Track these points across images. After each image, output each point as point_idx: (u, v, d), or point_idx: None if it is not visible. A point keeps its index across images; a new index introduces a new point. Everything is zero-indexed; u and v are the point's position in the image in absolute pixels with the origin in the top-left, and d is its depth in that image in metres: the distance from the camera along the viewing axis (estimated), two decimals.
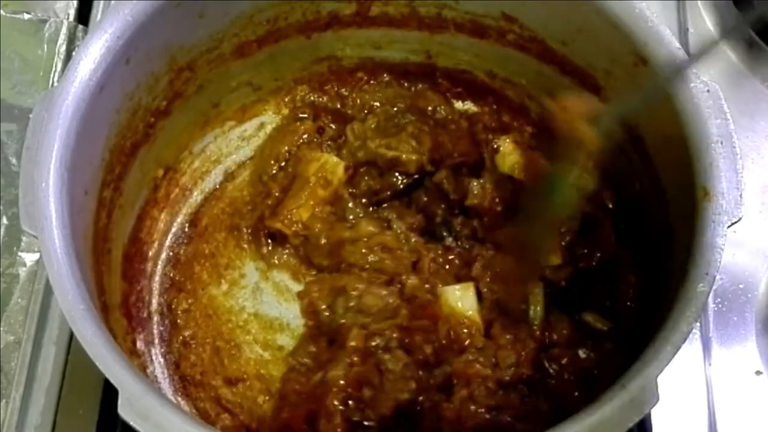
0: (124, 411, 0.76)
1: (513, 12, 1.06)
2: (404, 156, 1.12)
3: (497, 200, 1.08)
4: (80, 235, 0.90)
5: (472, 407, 0.94)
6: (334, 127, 1.20)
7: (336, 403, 0.95)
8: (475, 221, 1.10)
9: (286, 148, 1.18)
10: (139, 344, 1.06)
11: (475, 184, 1.08)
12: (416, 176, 1.14)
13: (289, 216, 1.11)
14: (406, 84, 1.22)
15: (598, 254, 1.06)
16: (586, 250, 1.06)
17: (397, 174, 1.14)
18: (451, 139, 1.14)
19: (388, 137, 1.13)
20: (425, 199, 1.13)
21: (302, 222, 1.11)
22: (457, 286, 1.04)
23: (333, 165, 1.15)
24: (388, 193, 1.14)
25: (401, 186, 1.14)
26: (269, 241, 1.13)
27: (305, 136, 1.18)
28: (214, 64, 1.11)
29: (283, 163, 1.18)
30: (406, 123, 1.16)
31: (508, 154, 1.09)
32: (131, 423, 0.76)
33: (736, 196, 0.86)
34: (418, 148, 1.12)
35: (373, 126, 1.16)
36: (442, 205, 1.13)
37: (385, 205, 1.14)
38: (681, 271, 0.84)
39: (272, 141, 1.20)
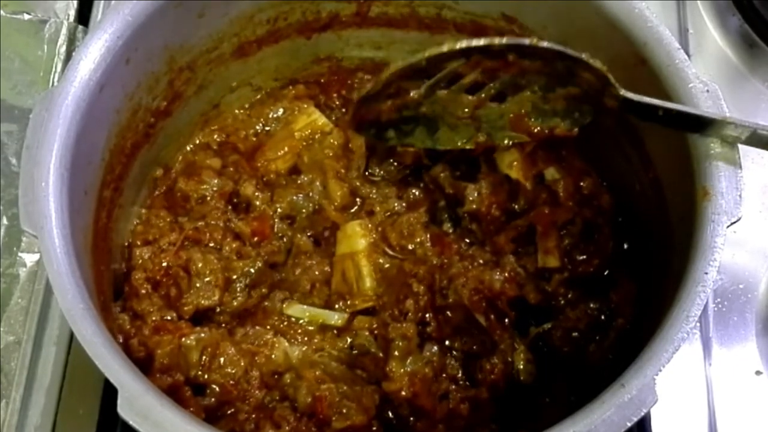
0: (123, 411, 0.76)
1: (513, 12, 1.06)
2: (401, 146, 1.12)
3: (495, 206, 1.08)
4: (80, 235, 0.90)
5: None
6: (343, 109, 1.21)
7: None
8: (473, 225, 1.10)
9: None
10: None
11: (472, 189, 1.08)
12: (413, 167, 1.15)
13: (265, 164, 1.14)
14: None
15: (596, 261, 1.06)
16: (585, 256, 1.06)
17: (394, 162, 1.14)
18: None
19: None
20: (422, 194, 1.15)
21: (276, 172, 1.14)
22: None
23: (322, 125, 1.16)
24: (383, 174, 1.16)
25: (398, 175, 1.15)
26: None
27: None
28: (214, 64, 1.11)
29: (280, 111, 1.19)
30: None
31: (507, 151, 1.08)
32: (131, 422, 0.76)
33: (735, 195, 0.86)
34: None
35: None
36: (441, 202, 1.14)
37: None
38: (680, 271, 0.84)
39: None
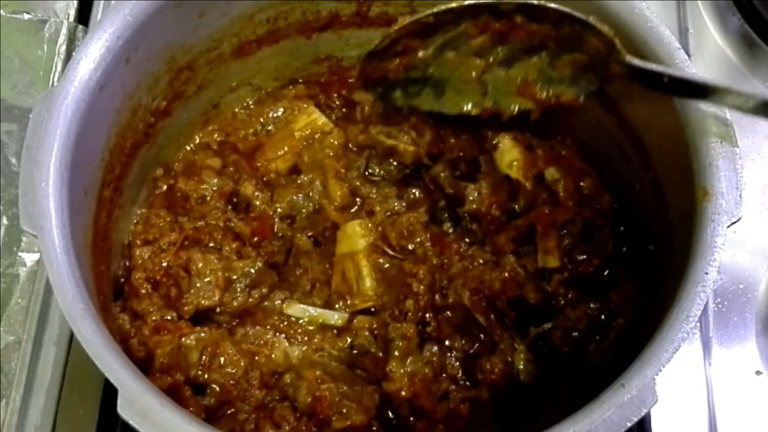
0: (123, 410, 0.76)
1: None
2: (401, 146, 1.12)
3: (495, 206, 1.08)
4: (80, 235, 0.90)
5: None
6: (343, 109, 1.21)
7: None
8: (473, 225, 1.10)
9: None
10: None
11: (472, 189, 1.08)
12: (413, 167, 1.15)
13: (265, 163, 1.14)
14: None
15: (596, 261, 1.06)
16: (585, 256, 1.06)
17: (394, 162, 1.15)
18: (454, 132, 1.14)
19: (390, 125, 1.14)
20: (422, 194, 1.15)
21: (276, 171, 1.14)
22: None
23: (322, 125, 1.16)
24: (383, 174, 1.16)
25: (398, 175, 1.15)
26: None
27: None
28: (214, 64, 1.11)
29: (280, 111, 1.19)
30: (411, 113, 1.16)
31: (507, 150, 1.09)
32: (131, 422, 0.76)
33: (735, 195, 0.86)
34: (417, 140, 1.12)
35: (380, 111, 1.17)
36: (441, 201, 1.13)
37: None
38: (680, 271, 0.84)
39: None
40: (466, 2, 0.96)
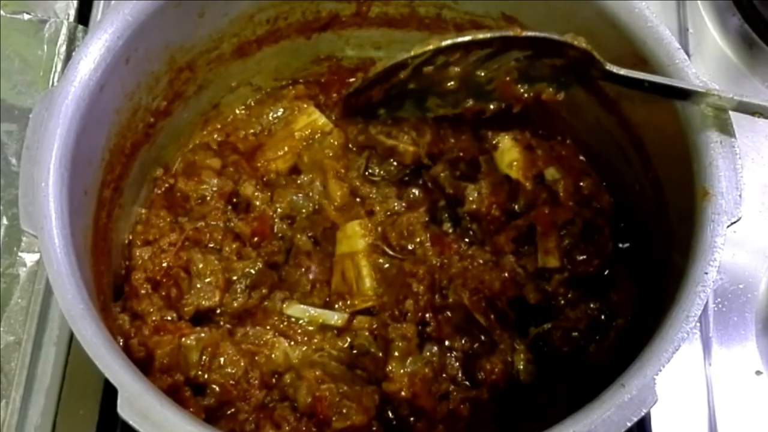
0: (123, 411, 0.76)
1: (512, 12, 1.06)
2: (401, 146, 1.13)
3: (495, 206, 1.08)
4: (80, 235, 0.90)
5: None
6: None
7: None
8: (473, 225, 1.10)
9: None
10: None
11: (472, 189, 1.08)
12: (413, 167, 1.15)
13: (265, 164, 1.15)
14: None
15: (596, 261, 1.06)
16: (585, 256, 1.06)
17: (394, 162, 1.15)
18: (454, 132, 1.14)
19: (390, 125, 1.14)
20: (422, 194, 1.15)
21: (277, 171, 1.15)
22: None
23: (322, 125, 1.17)
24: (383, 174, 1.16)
25: (398, 175, 1.16)
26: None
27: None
28: (214, 64, 1.11)
29: (280, 111, 1.20)
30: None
31: (507, 150, 1.09)
32: (131, 422, 0.76)
33: (735, 195, 0.86)
34: (417, 140, 1.13)
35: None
36: (441, 201, 1.14)
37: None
38: (680, 271, 0.84)
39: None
40: (443, 43, 1.00)
